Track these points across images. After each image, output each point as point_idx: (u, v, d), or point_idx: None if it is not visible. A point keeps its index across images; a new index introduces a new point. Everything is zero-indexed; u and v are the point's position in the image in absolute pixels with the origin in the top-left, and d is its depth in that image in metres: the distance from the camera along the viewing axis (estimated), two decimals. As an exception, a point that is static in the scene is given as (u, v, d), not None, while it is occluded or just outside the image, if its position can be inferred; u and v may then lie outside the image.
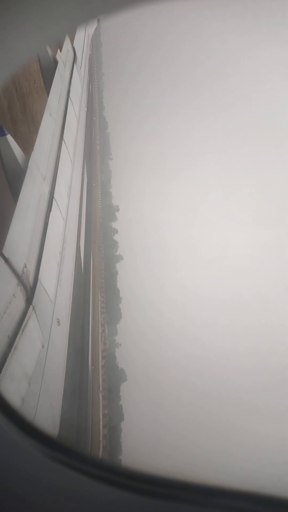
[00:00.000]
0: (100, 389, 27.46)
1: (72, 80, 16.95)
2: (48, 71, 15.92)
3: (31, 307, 7.56)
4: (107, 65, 56.53)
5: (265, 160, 49.89)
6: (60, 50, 17.07)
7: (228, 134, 52.21)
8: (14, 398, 6.43)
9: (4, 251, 7.47)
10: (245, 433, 32.35)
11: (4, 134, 9.95)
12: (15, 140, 10.28)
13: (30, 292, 7.85)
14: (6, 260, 7.42)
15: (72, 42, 19.52)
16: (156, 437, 30.17)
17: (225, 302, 42.03)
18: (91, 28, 29.39)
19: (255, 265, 45.05)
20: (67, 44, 18.48)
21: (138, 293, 40.10)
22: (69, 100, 15.45)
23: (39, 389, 7.26)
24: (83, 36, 23.29)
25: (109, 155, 51.72)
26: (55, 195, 10.67)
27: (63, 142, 12.98)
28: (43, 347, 7.72)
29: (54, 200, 10.49)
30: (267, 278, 44.19)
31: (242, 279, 44.15)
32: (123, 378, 33.32)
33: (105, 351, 32.62)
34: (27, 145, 11.77)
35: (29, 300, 7.70)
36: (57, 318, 8.73)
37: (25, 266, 7.99)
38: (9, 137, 10.02)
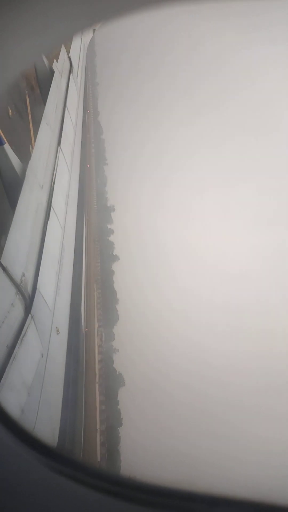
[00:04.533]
0: (97, 394, 27.32)
1: (69, 90, 17.06)
2: (44, 80, 16.02)
3: (30, 316, 7.53)
4: (102, 74, 56.88)
5: (263, 163, 50.01)
6: (57, 60, 17.19)
7: (225, 137, 52.38)
8: (13, 408, 6.38)
9: (2, 260, 7.45)
10: (248, 439, 32.06)
11: (2, 144, 9.97)
12: (12, 149, 10.32)
13: (28, 301, 7.83)
14: (4, 269, 7.40)
15: (68, 52, 19.68)
16: (155, 443, 29.79)
17: (224, 305, 41.88)
18: (86, 38, 29.64)
19: (254, 268, 45.00)
20: (63, 54, 18.61)
21: (136, 295, 39.89)
22: (66, 109, 15.54)
23: (39, 399, 7.21)
24: (79, 46, 23.48)
25: (104, 160, 52.04)
26: (52, 204, 10.69)
27: (60, 150, 13.03)
28: (42, 356, 7.69)
29: (52, 209, 10.50)
30: (267, 281, 44.17)
31: (241, 282, 44.08)
32: (121, 383, 33.20)
33: (101, 346, 32.61)
34: (25, 154, 11.80)
35: (27, 309, 7.68)
36: (56, 327, 8.70)
37: (23, 275, 7.97)
38: (6, 147, 10.05)
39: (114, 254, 42.79)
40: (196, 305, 41.56)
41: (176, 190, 49.64)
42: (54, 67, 16.38)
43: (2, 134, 10.53)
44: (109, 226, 44.73)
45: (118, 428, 29.26)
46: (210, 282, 43.59)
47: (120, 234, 43.98)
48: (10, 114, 14.42)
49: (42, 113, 13.06)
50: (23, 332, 7.10)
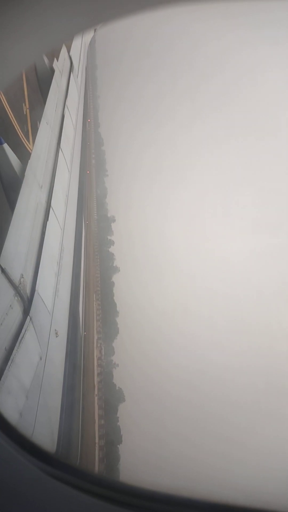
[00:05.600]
0: (96, 408, 26.94)
1: (69, 89, 16.97)
2: (45, 79, 15.93)
3: (28, 318, 7.43)
4: (102, 84, 56.44)
5: (264, 167, 49.92)
6: (57, 59, 17.11)
7: (225, 141, 52.27)
8: (11, 412, 6.27)
9: (1, 261, 7.34)
10: (248, 448, 31.95)
11: (1, 143, 9.86)
12: (11, 148, 10.20)
13: (27, 303, 7.72)
14: (3, 271, 7.30)
15: (68, 51, 19.60)
16: (155, 453, 29.48)
17: (226, 313, 41.58)
18: (87, 37, 29.57)
19: (255, 272, 44.95)
20: (64, 53, 18.54)
21: (136, 307, 39.34)
22: (66, 109, 15.44)
23: (37, 403, 7.11)
24: (79, 45, 23.42)
25: (105, 171, 51.73)
26: (52, 204, 10.58)
27: (60, 150, 12.92)
28: (40, 359, 7.59)
29: (51, 209, 10.39)
30: (267, 285, 44.13)
31: (242, 288, 43.94)
32: (121, 399, 32.48)
33: (101, 359, 32.17)
34: (24, 154, 11.70)
35: (26, 311, 7.57)
36: (55, 330, 8.59)
37: (22, 276, 7.86)
38: (5, 146, 9.94)
39: (114, 265, 42.20)
40: (198, 318, 41.23)
41: (177, 202, 49.59)
42: (54, 66, 16.29)
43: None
44: (109, 237, 44.27)
45: (118, 446, 28.52)
46: (212, 295, 43.30)
47: (121, 245, 43.66)
48: (10, 112, 14.32)
49: (42, 112, 12.96)
50: (21, 335, 6.99)
